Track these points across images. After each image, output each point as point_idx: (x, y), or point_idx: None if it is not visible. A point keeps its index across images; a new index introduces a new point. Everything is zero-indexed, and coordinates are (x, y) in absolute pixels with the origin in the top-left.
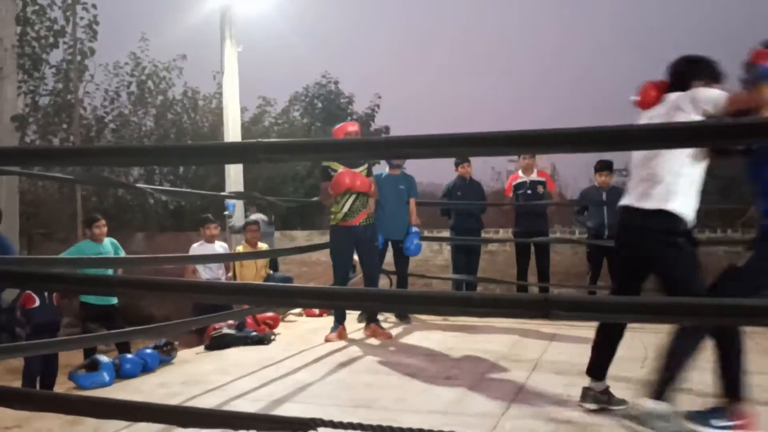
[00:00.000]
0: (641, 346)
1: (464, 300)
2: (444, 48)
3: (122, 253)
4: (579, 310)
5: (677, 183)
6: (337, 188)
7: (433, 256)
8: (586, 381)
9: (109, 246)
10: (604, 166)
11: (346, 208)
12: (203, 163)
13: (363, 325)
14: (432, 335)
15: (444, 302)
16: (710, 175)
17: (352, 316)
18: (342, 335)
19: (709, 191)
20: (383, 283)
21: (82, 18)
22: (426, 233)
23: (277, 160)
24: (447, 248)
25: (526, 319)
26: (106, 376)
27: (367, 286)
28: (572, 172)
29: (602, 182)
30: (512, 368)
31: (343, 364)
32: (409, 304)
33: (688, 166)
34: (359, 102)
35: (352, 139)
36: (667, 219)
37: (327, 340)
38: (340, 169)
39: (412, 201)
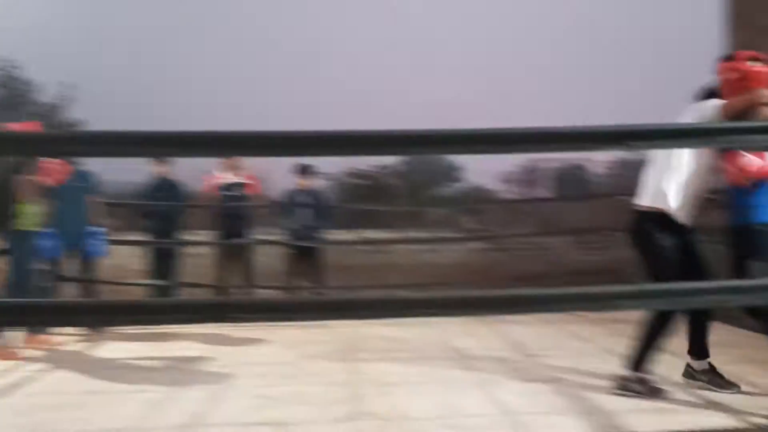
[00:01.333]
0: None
1: (138, 308)
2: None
3: None
4: (255, 312)
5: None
6: (57, 180)
7: (130, 261)
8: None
9: None
10: (304, 169)
11: (40, 209)
12: None
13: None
14: (125, 345)
15: (114, 311)
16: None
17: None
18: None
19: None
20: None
21: None
22: (123, 236)
23: None
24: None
25: (205, 323)
26: None
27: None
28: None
29: (302, 185)
30: (208, 375)
31: (17, 386)
32: (72, 315)
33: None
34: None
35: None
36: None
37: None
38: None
39: (91, 198)
